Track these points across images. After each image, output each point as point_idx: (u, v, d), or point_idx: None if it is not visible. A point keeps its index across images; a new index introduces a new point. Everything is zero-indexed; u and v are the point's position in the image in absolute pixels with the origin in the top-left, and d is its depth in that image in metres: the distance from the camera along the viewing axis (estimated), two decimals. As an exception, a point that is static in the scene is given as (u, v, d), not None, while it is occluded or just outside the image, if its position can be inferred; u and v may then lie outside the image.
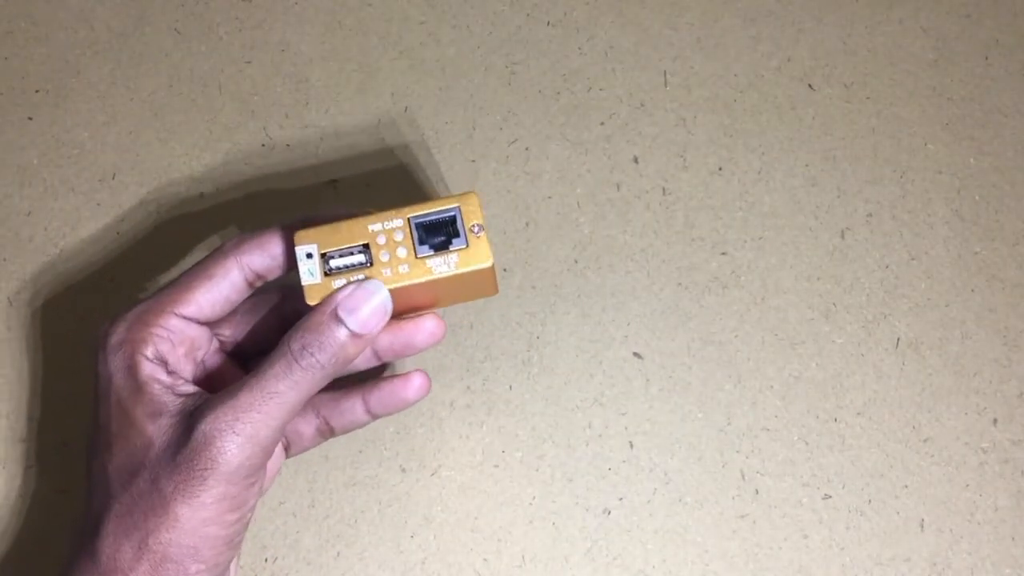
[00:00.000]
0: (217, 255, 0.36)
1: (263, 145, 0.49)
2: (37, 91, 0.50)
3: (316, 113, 0.50)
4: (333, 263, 0.34)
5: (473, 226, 0.35)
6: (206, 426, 0.32)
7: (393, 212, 0.34)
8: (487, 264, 0.35)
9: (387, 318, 0.34)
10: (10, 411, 0.44)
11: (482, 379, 0.45)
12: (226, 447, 0.31)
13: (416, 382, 0.38)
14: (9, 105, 0.49)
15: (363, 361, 0.39)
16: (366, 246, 0.34)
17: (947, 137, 0.50)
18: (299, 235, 0.35)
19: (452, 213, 0.34)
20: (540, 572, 0.42)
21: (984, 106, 0.50)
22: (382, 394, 0.38)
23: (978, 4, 0.52)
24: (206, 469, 0.31)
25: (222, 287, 0.35)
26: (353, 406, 0.38)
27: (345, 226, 0.34)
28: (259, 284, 0.37)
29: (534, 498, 0.43)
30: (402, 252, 0.34)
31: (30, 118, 0.49)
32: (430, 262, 0.34)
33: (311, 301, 0.34)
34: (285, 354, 0.33)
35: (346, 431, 0.39)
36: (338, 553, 0.43)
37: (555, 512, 0.43)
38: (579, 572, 0.42)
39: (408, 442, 0.44)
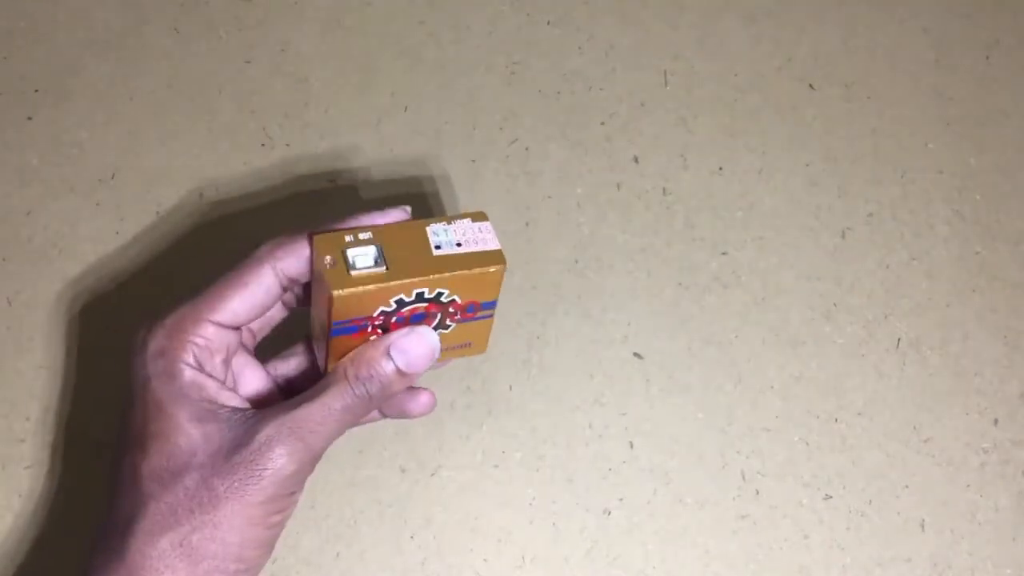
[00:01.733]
0: (253, 262, 0.36)
1: (263, 145, 0.49)
2: (37, 91, 0.50)
3: (316, 113, 0.50)
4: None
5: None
6: (269, 431, 0.33)
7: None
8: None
9: (433, 361, 0.37)
10: (9, 411, 0.44)
11: (482, 379, 0.45)
12: (285, 452, 0.33)
13: (422, 399, 0.40)
14: (9, 105, 0.49)
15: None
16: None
17: (947, 137, 0.50)
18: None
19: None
20: (540, 572, 0.42)
21: (984, 106, 0.50)
22: (391, 401, 0.39)
23: (978, 4, 0.52)
24: (265, 469, 0.33)
25: (257, 293, 0.36)
26: None
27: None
28: (291, 287, 0.38)
29: (534, 498, 0.43)
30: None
31: (30, 118, 0.49)
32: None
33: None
34: (342, 379, 0.35)
35: (360, 424, 0.40)
36: (338, 553, 0.42)
37: (555, 512, 0.43)
38: (579, 572, 0.42)
39: (408, 442, 0.44)
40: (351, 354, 0.36)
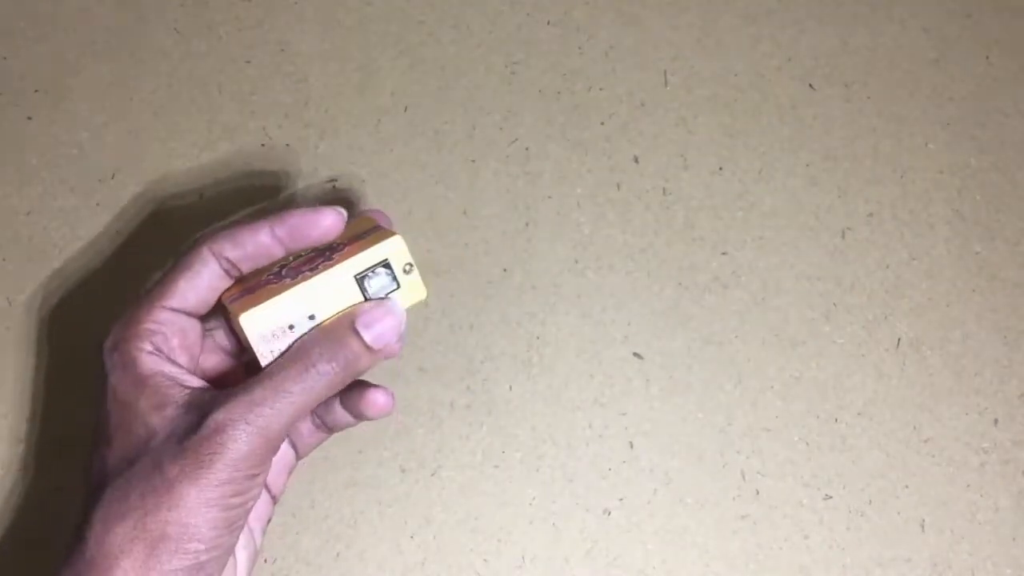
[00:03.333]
0: (192, 247, 0.37)
1: (263, 145, 0.49)
2: (37, 91, 0.50)
3: (316, 113, 0.50)
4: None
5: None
6: (219, 415, 0.33)
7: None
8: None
9: (401, 335, 0.36)
10: (9, 411, 0.44)
11: (482, 379, 0.45)
12: (236, 435, 0.32)
13: (379, 400, 0.38)
14: (9, 105, 0.49)
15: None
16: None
17: (947, 137, 0.50)
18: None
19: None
20: (540, 572, 0.42)
21: (984, 106, 0.50)
22: (352, 401, 0.38)
23: (978, 4, 0.52)
24: (214, 454, 0.32)
25: (203, 276, 0.36)
26: (334, 406, 0.39)
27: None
28: (236, 274, 0.38)
29: (534, 498, 0.43)
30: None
31: (30, 118, 0.49)
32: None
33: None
34: (303, 358, 0.34)
35: (339, 429, 0.40)
36: (338, 553, 0.42)
37: (555, 512, 0.43)
38: (579, 573, 0.42)
39: (408, 442, 0.44)
40: (316, 330, 0.35)
